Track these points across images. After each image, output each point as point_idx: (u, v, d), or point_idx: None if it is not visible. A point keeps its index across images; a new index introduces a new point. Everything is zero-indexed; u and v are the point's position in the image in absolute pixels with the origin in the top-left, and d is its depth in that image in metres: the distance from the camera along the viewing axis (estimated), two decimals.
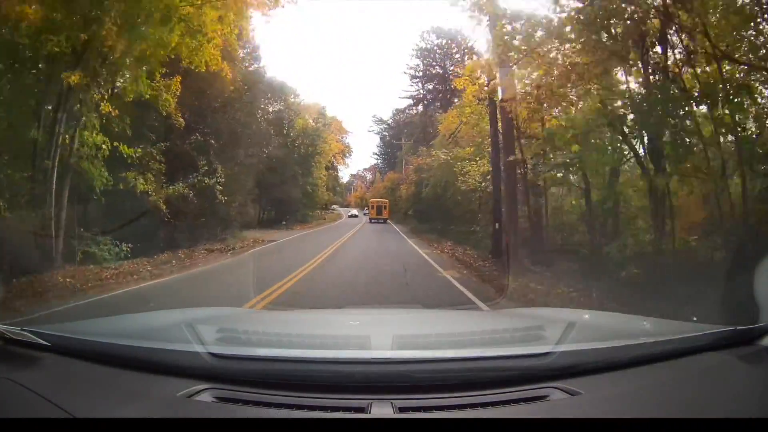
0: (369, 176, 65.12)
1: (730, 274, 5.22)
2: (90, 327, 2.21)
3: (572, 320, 2.22)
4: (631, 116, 8.11)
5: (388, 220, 36.47)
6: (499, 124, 12.14)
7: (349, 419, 1.25)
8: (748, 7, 6.82)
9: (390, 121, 48.66)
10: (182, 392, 1.34)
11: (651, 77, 8.05)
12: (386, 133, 50.70)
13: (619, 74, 8.72)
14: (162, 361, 1.50)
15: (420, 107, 42.98)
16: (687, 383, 1.44)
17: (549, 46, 8.78)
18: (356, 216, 48.68)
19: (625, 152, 8.96)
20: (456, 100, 25.22)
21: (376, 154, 57.11)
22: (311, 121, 33.30)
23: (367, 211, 49.52)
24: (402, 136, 42.91)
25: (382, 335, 2.07)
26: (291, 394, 1.34)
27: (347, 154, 51.55)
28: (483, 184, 15.38)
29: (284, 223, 26.88)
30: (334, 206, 57.52)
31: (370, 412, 1.25)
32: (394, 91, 51.17)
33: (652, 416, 1.24)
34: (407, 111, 44.25)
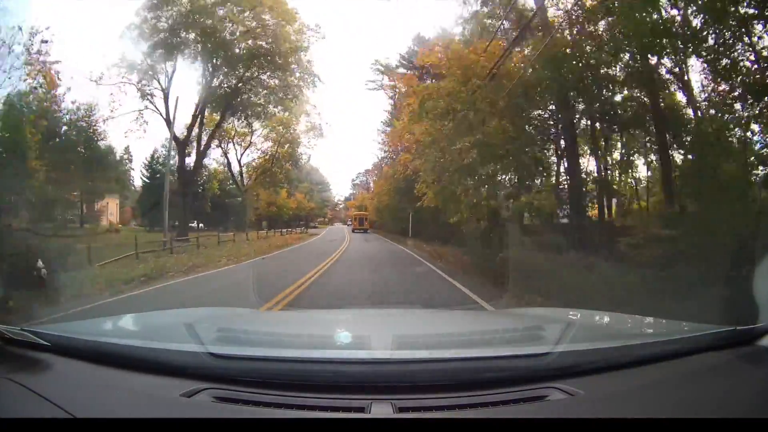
0: (372, 180, 50.00)
1: (730, 274, 5.21)
2: (90, 327, 2.21)
3: (572, 320, 2.22)
4: None
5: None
6: None
7: (348, 419, 1.25)
8: None
9: (407, 56, 27.50)
10: (182, 392, 1.34)
11: None
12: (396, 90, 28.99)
13: None
14: (161, 361, 1.50)
15: None
16: (687, 383, 1.44)
17: None
18: None
19: None
20: None
21: (379, 132, 36.90)
22: None
23: (350, 223, 47.83)
24: None
25: (381, 335, 2.07)
26: (291, 394, 1.34)
27: (312, 77, 25.41)
28: None
29: None
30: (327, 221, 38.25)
31: (369, 412, 1.25)
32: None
33: (651, 416, 1.24)
34: None
